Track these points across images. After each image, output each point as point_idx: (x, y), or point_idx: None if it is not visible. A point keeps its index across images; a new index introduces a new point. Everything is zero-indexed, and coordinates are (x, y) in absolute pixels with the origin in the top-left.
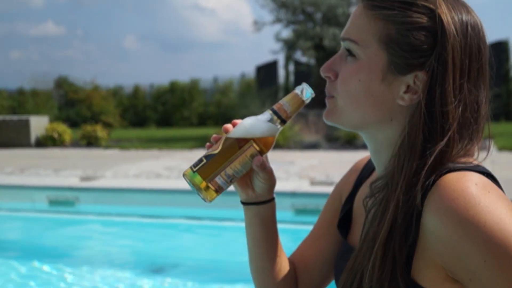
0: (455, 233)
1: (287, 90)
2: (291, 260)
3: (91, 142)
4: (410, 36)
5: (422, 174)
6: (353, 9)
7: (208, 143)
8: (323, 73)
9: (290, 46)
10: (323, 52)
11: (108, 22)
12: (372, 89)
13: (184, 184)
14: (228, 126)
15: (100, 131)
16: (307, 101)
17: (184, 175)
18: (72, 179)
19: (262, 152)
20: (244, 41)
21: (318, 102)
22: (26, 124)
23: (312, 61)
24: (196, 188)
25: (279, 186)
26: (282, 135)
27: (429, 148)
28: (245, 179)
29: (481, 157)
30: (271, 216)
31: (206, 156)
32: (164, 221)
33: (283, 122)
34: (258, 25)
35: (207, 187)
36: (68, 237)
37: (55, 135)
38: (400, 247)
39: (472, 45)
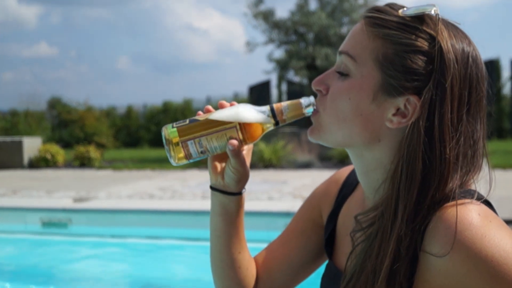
0: (462, 267)
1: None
2: (255, 260)
3: (84, 163)
4: (407, 58)
5: (424, 204)
6: (344, 30)
7: (199, 111)
8: (314, 87)
9: (282, 66)
10: (316, 72)
11: (101, 43)
12: (361, 108)
13: (177, 205)
14: (225, 103)
15: (93, 152)
16: (306, 115)
17: (163, 128)
18: (65, 201)
19: (243, 141)
20: (237, 61)
21: (311, 122)
22: (19, 145)
23: (305, 81)
24: (168, 143)
25: (273, 206)
26: (275, 154)
27: (428, 178)
28: (218, 163)
29: (484, 190)
30: (235, 210)
31: (190, 119)
32: (157, 242)
33: (276, 123)
34: (250, 45)
35: (178, 145)
36: (61, 259)
37: (48, 156)
38: (405, 280)
39: (472, 76)
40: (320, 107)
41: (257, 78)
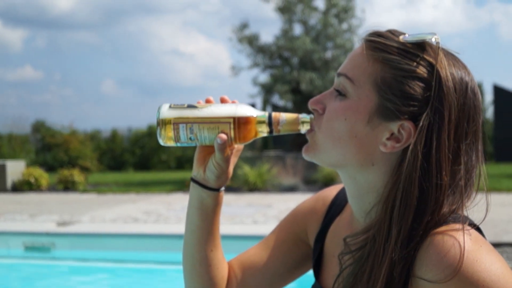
0: None
1: None
2: (230, 263)
3: (68, 186)
4: (405, 83)
5: (419, 230)
6: (329, 55)
7: (199, 100)
8: (311, 106)
9: (267, 90)
10: (300, 96)
11: (86, 67)
12: (356, 129)
13: (161, 229)
14: (226, 98)
15: (77, 176)
16: (301, 132)
17: (159, 106)
18: (48, 224)
19: (233, 139)
20: (222, 85)
21: (296, 145)
22: (2, 169)
23: (289, 105)
24: (160, 122)
25: (258, 230)
26: (260, 178)
27: (423, 203)
28: (205, 155)
29: (479, 219)
30: (211, 206)
31: (188, 104)
32: (142, 266)
33: (270, 131)
34: (235, 69)
35: (170, 124)
36: (45, 284)
37: (32, 180)
38: None
39: (470, 106)
40: (316, 126)
41: (242, 102)
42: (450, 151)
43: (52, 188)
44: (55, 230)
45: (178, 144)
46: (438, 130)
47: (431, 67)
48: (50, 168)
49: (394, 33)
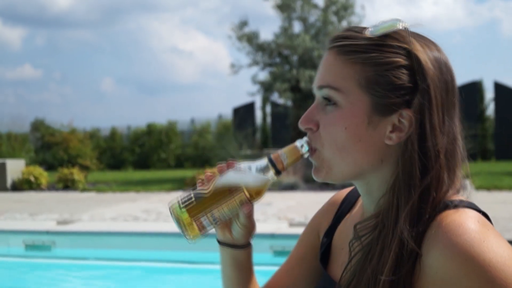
0: (460, 270)
1: (264, 131)
2: None
3: (67, 185)
4: (390, 76)
5: (426, 208)
6: None
7: (199, 180)
8: (303, 126)
9: (267, 88)
10: (300, 94)
11: (85, 65)
12: (359, 134)
13: (161, 227)
14: (223, 166)
15: (76, 174)
16: (305, 156)
17: (170, 208)
18: (48, 223)
19: (251, 200)
20: (222, 83)
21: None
22: (2, 168)
23: (289, 103)
24: (180, 224)
25: (258, 228)
26: None
27: (427, 181)
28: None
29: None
30: (246, 260)
31: (195, 194)
32: (142, 264)
33: (278, 172)
34: (235, 67)
35: (191, 225)
36: (45, 282)
37: (32, 179)
38: (407, 283)
39: (447, 79)
40: (317, 144)
41: (242, 100)
42: (440, 126)
43: (51, 187)
44: (55, 229)
45: (206, 233)
46: (429, 109)
47: (408, 53)
48: (49, 166)
49: (357, 30)
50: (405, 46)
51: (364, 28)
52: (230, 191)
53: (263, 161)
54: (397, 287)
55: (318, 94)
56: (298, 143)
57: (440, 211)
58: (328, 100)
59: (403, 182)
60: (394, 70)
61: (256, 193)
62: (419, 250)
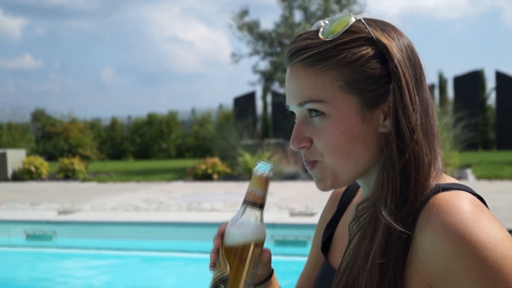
0: (451, 250)
1: (265, 121)
2: None
3: (68, 175)
4: (366, 69)
5: (410, 189)
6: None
7: (210, 265)
8: (296, 146)
9: (267, 77)
10: None
11: (86, 55)
12: (357, 133)
13: (162, 217)
14: (217, 239)
15: (77, 164)
16: (271, 175)
17: None
18: (49, 213)
19: (263, 244)
20: (222, 73)
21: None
22: (3, 158)
23: None
24: None
25: None
26: None
27: (403, 160)
28: None
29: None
30: (275, 283)
31: (220, 281)
32: (143, 253)
33: (261, 207)
34: (235, 57)
35: None
36: (46, 272)
37: (32, 169)
38: (398, 268)
39: (410, 57)
40: (317, 156)
41: (242, 89)
42: (414, 103)
43: (52, 177)
44: (56, 219)
45: None
46: (400, 89)
47: (372, 42)
48: (50, 157)
49: (311, 37)
50: (366, 36)
51: (315, 32)
52: (243, 255)
53: (247, 209)
54: (387, 269)
55: (299, 110)
56: (256, 172)
57: (433, 194)
58: (314, 111)
59: (388, 164)
60: (367, 62)
61: (261, 239)
62: (409, 232)
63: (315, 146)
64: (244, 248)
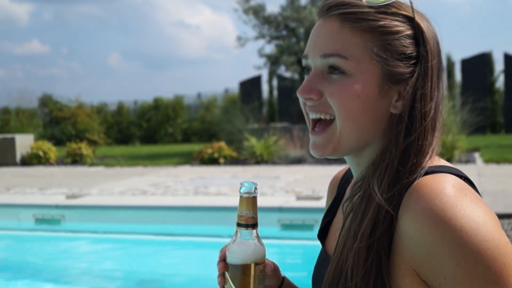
0: (431, 235)
1: (271, 105)
2: None
3: (76, 160)
4: (399, 45)
5: (405, 171)
6: None
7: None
8: (303, 95)
9: (273, 61)
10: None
11: (92, 40)
12: (370, 103)
13: (169, 201)
14: (220, 264)
15: (85, 149)
16: (257, 193)
17: None
18: (57, 197)
19: (264, 262)
20: (228, 57)
21: (303, 117)
22: (11, 143)
23: (296, 76)
24: None
25: (265, 201)
26: (266, 150)
27: (407, 142)
28: None
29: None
30: None
31: None
32: (151, 237)
33: (254, 226)
34: (241, 40)
35: None
36: (54, 255)
37: (40, 154)
38: (384, 253)
39: (439, 50)
40: (325, 110)
41: (248, 73)
42: (433, 93)
43: (60, 162)
44: (65, 203)
45: None
46: (425, 77)
47: (411, 22)
48: (58, 141)
49: None
50: (409, 15)
51: None
52: (246, 276)
53: (242, 231)
54: (372, 250)
55: (320, 62)
56: (241, 194)
57: (419, 177)
58: (334, 68)
59: (390, 143)
60: (402, 39)
61: (261, 257)
62: (394, 213)
63: (326, 100)
64: (246, 269)
